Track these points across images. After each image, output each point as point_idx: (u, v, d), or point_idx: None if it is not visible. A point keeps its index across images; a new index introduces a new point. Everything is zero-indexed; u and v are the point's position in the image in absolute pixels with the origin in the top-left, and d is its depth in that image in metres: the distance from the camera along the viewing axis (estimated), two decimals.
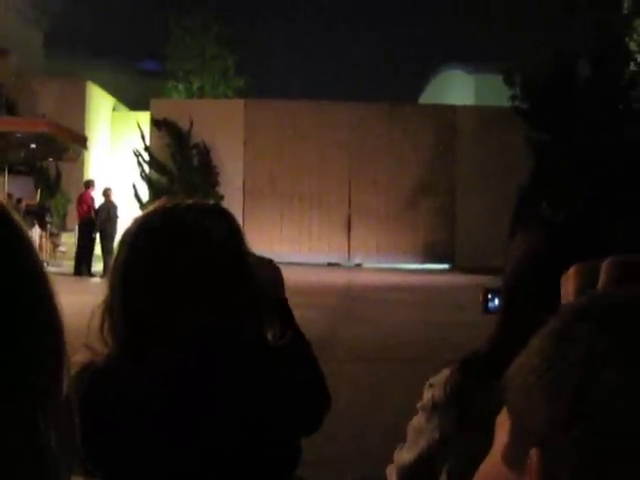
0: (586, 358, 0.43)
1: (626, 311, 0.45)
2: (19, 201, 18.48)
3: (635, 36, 17.60)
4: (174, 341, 1.34)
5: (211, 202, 1.51)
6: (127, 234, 1.42)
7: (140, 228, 1.41)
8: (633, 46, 17.81)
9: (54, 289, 0.69)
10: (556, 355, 0.45)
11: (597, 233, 1.36)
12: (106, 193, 16.72)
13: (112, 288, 1.39)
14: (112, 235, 15.67)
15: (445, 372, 1.42)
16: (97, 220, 16.34)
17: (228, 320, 1.38)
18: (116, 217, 16.29)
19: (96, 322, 1.39)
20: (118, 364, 1.37)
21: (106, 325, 1.39)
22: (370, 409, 5.83)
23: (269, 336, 1.47)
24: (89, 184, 17.41)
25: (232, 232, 1.46)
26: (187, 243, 1.38)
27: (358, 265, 21.86)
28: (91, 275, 15.84)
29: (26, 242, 0.68)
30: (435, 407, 1.40)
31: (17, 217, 0.69)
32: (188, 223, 1.41)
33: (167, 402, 1.35)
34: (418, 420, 1.46)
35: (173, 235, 1.39)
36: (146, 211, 1.45)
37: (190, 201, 1.47)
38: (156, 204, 1.45)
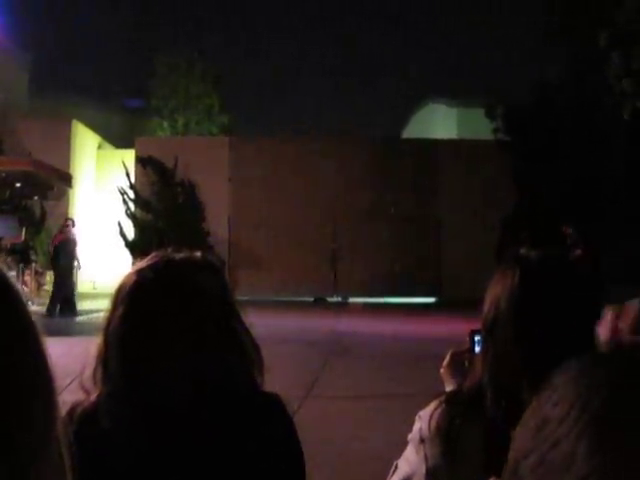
0: (548, 398, 0.47)
1: (594, 366, 0.48)
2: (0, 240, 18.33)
3: (613, 67, 17.90)
4: (170, 393, 1.38)
5: (199, 255, 1.54)
6: (122, 289, 1.44)
7: (135, 285, 1.43)
8: (610, 78, 18.10)
9: (45, 347, 0.69)
10: (536, 403, 0.49)
11: (571, 272, 1.38)
12: (64, 226, 16.09)
13: (107, 341, 1.42)
14: (66, 271, 15.33)
15: (432, 405, 1.44)
16: (57, 256, 15.68)
17: (222, 374, 1.42)
18: (73, 252, 15.72)
19: (88, 372, 1.43)
20: (108, 407, 1.39)
21: (99, 374, 1.42)
22: (361, 444, 5.79)
23: (258, 380, 1.51)
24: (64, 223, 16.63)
25: (223, 286, 1.51)
26: (182, 298, 1.42)
27: (344, 299, 21.84)
28: (74, 314, 15.43)
29: (19, 300, 0.69)
30: (422, 440, 1.41)
31: (10, 276, 0.70)
32: (181, 279, 1.45)
33: (155, 448, 1.37)
34: (408, 452, 1.47)
35: (167, 292, 1.43)
36: (139, 266, 1.47)
37: (182, 255, 1.50)
38: (149, 258, 1.49)
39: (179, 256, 1.50)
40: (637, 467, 0.40)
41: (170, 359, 1.38)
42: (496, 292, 1.36)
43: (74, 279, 15.95)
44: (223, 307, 1.48)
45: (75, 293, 15.91)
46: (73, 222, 16.31)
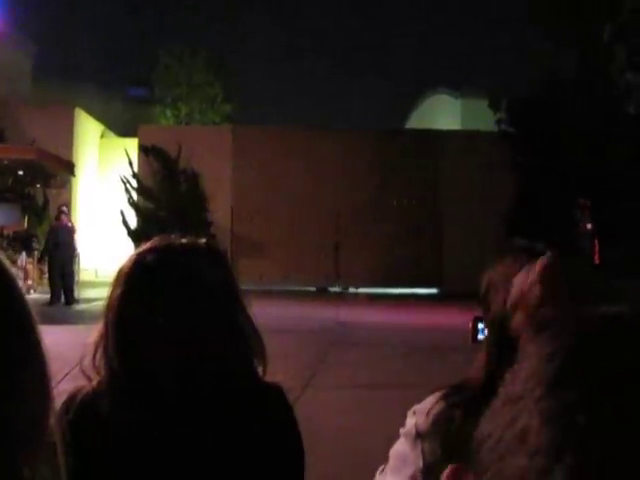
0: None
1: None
2: (1, 229, 18.33)
3: (617, 61, 17.85)
4: (168, 378, 1.37)
5: (203, 241, 1.54)
6: (122, 271, 1.44)
7: (135, 266, 1.43)
8: (614, 71, 18.06)
9: (40, 333, 0.69)
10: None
11: (572, 263, 1.37)
12: (57, 215, 15.84)
13: (107, 322, 1.42)
14: (61, 260, 15.06)
15: (429, 400, 1.42)
16: (48, 244, 15.50)
17: (221, 362, 1.42)
18: (66, 241, 15.33)
19: (89, 358, 1.43)
20: (107, 393, 1.39)
21: (99, 356, 1.42)
22: (361, 434, 5.80)
23: (259, 370, 1.50)
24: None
25: (225, 272, 1.51)
26: (181, 282, 1.42)
27: (345, 289, 21.86)
28: (69, 303, 15.29)
29: (17, 292, 0.68)
30: (419, 435, 1.39)
31: (9, 267, 0.69)
32: (182, 262, 1.45)
33: (155, 435, 1.37)
34: (401, 446, 1.45)
35: (167, 274, 1.42)
36: (140, 249, 1.47)
37: (184, 240, 1.50)
38: (150, 242, 1.48)
39: (180, 241, 1.49)
40: (588, 441, 0.38)
41: (168, 343, 1.37)
42: (495, 281, 1.35)
43: (70, 268, 15.58)
44: (224, 293, 1.46)
45: (70, 281, 15.53)
46: (64, 210, 16.07)
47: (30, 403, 0.65)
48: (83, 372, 1.44)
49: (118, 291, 1.41)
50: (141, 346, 1.38)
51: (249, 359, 1.48)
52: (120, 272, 1.45)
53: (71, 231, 15.81)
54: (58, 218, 15.83)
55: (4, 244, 17.20)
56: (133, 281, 1.41)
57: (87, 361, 1.43)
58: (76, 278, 16.02)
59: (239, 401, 1.43)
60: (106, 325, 1.42)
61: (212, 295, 1.43)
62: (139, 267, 1.43)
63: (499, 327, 1.36)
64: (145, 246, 1.48)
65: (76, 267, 16.11)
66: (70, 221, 16.30)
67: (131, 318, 1.39)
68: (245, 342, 1.47)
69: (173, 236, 1.51)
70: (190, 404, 1.38)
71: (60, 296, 15.27)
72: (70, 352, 1.64)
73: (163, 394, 1.37)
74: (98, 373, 1.42)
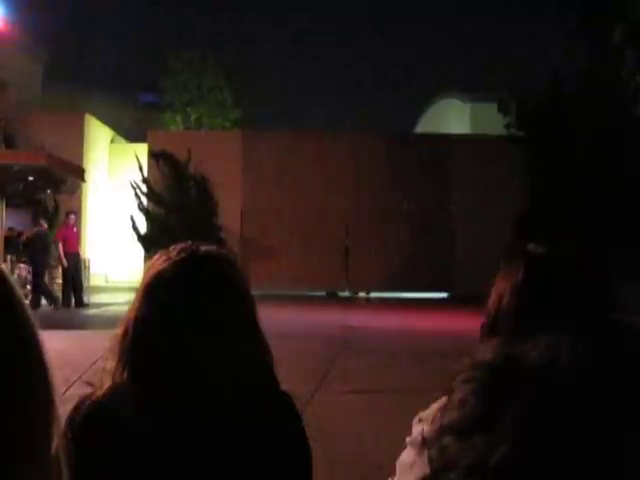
0: None
1: None
2: (19, 235, 18.41)
3: (627, 63, 17.77)
4: (195, 385, 1.39)
5: (216, 248, 1.54)
6: (149, 282, 1.45)
7: (162, 276, 1.44)
8: (624, 73, 17.98)
9: (46, 355, 0.69)
10: None
11: (577, 269, 1.36)
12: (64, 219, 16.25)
13: (133, 333, 1.42)
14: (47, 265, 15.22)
15: (435, 406, 1.41)
16: (36, 248, 15.69)
17: (237, 368, 1.43)
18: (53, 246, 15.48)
19: (111, 364, 1.44)
20: (130, 396, 1.40)
21: (120, 366, 1.42)
22: (370, 439, 5.79)
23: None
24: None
25: (245, 279, 1.53)
26: (210, 291, 1.44)
27: (355, 294, 21.84)
28: (78, 306, 15.56)
29: (20, 305, 0.68)
30: (425, 442, 1.38)
31: (11, 278, 0.69)
32: (210, 271, 1.47)
33: (169, 437, 1.37)
34: (407, 455, 1.44)
35: (195, 283, 1.44)
36: (166, 258, 1.48)
37: (205, 248, 1.50)
38: (174, 252, 1.49)
39: (203, 249, 1.50)
40: None
41: (198, 352, 1.38)
42: (501, 287, 1.36)
43: (77, 273, 15.89)
44: (247, 300, 1.49)
45: (79, 286, 15.87)
46: (71, 217, 16.28)
47: (34, 423, 0.65)
48: (87, 382, 1.45)
49: (146, 303, 1.43)
50: (168, 356, 1.39)
51: (265, 367, 1.50)
52: (147, 283, 1.46)
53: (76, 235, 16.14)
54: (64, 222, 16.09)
55: (20, 248, 17.38)
56: (160, 293, 1.43)
57: (108, 367, 1.43)
58: (85, 283, 16.15)
59: (250, 408, 1.44)
60: (132, 335, 1.42)
61: (239, 302, 1.46)
62: (166, 278, 1.44)
63: (490, 326, 1.37)
64: (170, 255, 1.48)
65: (85, 273, 16.28)
66: (75, 226, 16.57)
67: (161, 329, 1.40)
68: (266, 349, 1.50)
69: (191, 243, 1.51)
70: (206, 411, 1.39)
71: (69, 300, 15.46)
72: (80, 357, 1.65)
73: (181, 398, 1.38)
74: (113, 379, 1.42)
